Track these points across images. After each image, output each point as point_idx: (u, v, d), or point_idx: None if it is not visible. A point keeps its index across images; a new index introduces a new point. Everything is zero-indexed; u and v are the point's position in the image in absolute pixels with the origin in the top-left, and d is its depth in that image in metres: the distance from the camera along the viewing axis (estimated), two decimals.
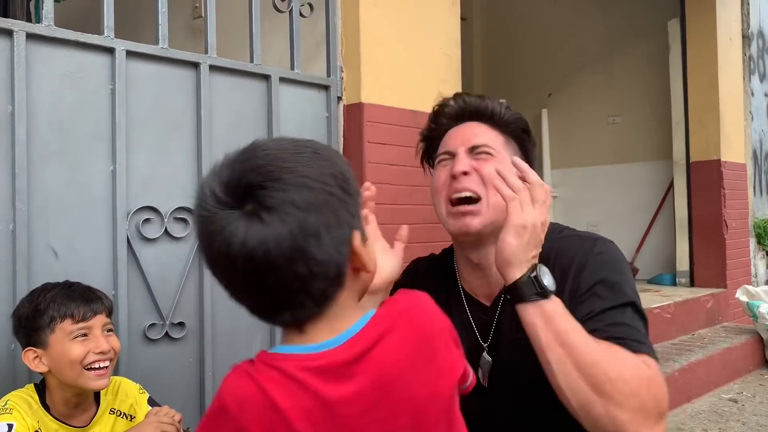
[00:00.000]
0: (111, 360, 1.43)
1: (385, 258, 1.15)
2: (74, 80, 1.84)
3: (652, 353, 1.12)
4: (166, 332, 1.98)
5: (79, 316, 1.39)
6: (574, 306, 1.13)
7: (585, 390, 1.00)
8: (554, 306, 1.06)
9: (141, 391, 1.60)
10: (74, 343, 1.38)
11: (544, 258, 1.16)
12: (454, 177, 1.21)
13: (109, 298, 1.50)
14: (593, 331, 1.07)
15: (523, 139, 1.32)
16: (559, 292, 1.12)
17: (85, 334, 1.40)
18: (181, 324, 2.02)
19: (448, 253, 1.41)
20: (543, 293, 1.06)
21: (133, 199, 1.93)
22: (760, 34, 5.73)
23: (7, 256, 1.70)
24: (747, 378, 3.99)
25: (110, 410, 1.52)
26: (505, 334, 1.22)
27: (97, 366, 1.39)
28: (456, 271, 1.34)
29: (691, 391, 3.53)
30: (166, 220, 1.99)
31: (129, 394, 1.57)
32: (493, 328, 1.24)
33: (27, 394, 1.44)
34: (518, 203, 1.08)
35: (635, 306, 1.16)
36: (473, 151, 1.23)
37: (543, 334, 1.03)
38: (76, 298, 1.42)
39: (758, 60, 5.72)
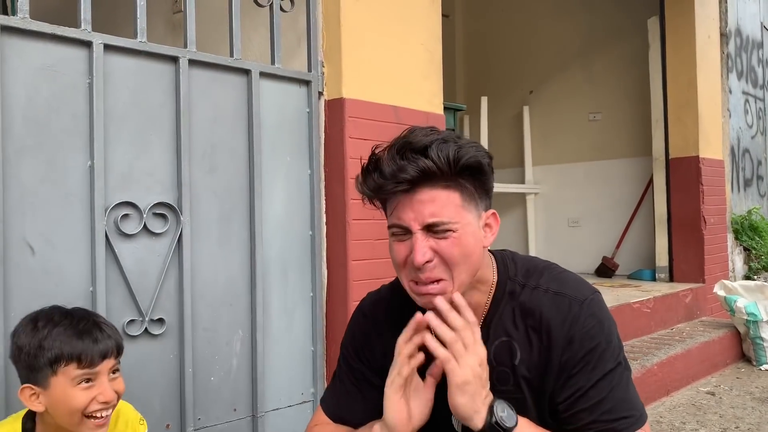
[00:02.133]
0: (114, 407, 1.31)
1: (415, 403, 1.13)
2: (50, 74, 1.81)
3: (641, 419, 1.15)
4: (146, 329, 1.97)
5: (87, 361, 1.25)
6: (564, 379, 1.14)
7: None
8: None
9: (141, 421, 1.48)
10: (77, 391, 1.25)
11: (527, 314, 1.16)
12: (414, 265, 1.09)
13: (119, 334, 1.36)
14: (582, 413, 1.12)
15: (478, 178, 1.13)
16: (545, 362, 1.14)
17: (89, 380, 1.26)
18: (160, 320, 2.00)
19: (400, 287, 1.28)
20: (507, 430, 1.07)
21: (111, 195, 1.91)
22: (738, 32, 5.81)
23: None
24: (724, 371, 4.05)
25: None
26: None
27: (98, 415, 1.27)
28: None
29: (670, 385, 3.57)
30: (145, 215, 1.97)
31: (129, 424, 1.44)
32: None
33: (13, 427, 1.31)
34: (453, 362, 1.05)
35: (622, 364, 1.17)
36: (431, 229, 1.07)
37: None
38: (86, 338, 1.27)
39: (736, 58, 5.79)
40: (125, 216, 1.94)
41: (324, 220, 2.48)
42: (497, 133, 5.86)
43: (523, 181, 6.05)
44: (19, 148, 1.75)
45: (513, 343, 1.17)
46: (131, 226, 1.95)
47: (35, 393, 1.27)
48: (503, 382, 1.17)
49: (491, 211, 1.17)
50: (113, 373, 1.32)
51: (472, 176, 1.10)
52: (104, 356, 1.28)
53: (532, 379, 1.16)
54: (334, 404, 1.30)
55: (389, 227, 1.12)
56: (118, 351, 1.33)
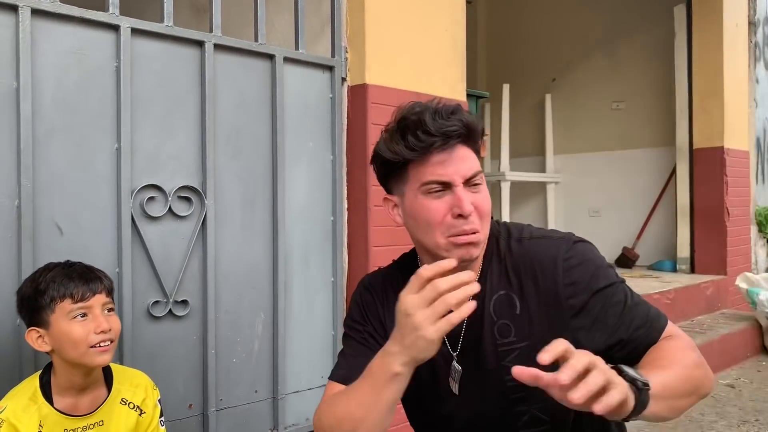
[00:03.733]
0: (112, 340, 1.42)
1: None
2: (79, 57, 1.83)
3: (660, 319, 1.20)
4: (170, 310, 2.00)
5: (78, 296, 1.38)
6: (587, 327, 1.16)
7: (692, 400, 1.13)
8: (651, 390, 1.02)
9: (154, 387, 1.57)
10: (74, 323, 1.37)
11: (518, 264, 1.18)
12: (459, 215, 1.11)
13: (109, 278, 1.48)
14: (628, 344, 1.16)
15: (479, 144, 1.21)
16: (548, 306, 1.16)
17: (84, 314, 1.38)
18: (184, 302, 2.03)
19: (403, 264, 1.31)
20: (645, 388, 0.99)
21: (137, 177, 1.94)
22: (767, 20, 5.69)
23: (12, 232, 1.71)
24: (745, 364, 4.02)
25: (122, 399, 1.49)
26: (472, 340, 1.22)
27: (98, 345, 1.38)
28: None
29: None
30: (170, 198, 1.99)
31: (142, 386, 1.54)
32: (462, 336, 1.23)
33: (30, 387, 1.42)
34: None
35: (622, 281, 1.21)
36: (467, 183, 1.13)
37: (659, 409, 1.05)
38: (75, 278, 1.40)
39: (764, 47, 5.68)
40: (151, 198, 1.96)
41: (345, 205, 2.49)
42: (519, 121, 5.82)
43: (544, 170, 6.01)
44: (49, 131, 1.78)
45: (511, 295, 1.18)
46: (157, 209, 1.97)
47: (40, 335, 1.40)
48: (505, 334, 1.18)
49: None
50: (107, 311, 1.43)
51: (478, 142, 1.19)
52: (95, 292, 1.40)
53: (538, 327, 1.17)
54: (345, 370, 1.23)
55: (422, 185, 1.14)
56: (109, 291, 1.45)
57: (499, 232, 1.25)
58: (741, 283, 4.27)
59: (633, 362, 1.16)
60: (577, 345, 1.14)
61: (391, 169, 1.18)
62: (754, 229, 5.33)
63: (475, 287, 0.99)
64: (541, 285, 1.17)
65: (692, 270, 4.91)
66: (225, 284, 2.13)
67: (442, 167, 1.13)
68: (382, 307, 1.27)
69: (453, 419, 1.25)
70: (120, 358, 1.86)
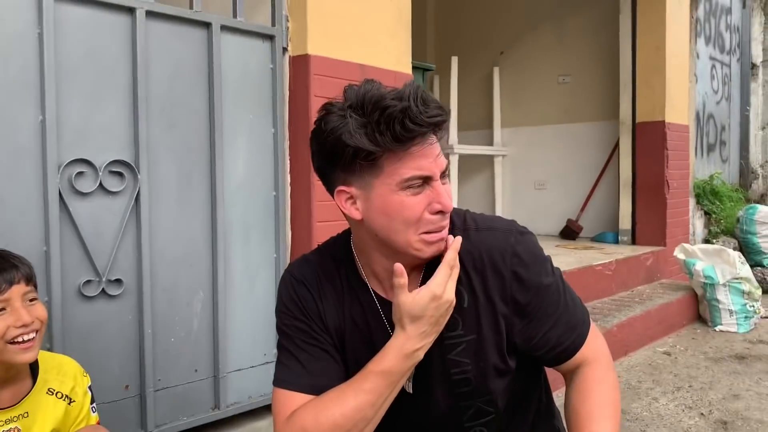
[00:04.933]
0: (37, 331, 1.32)
1: None
2: None
3: (585, 324, 1.22)
4: (103, 289, 1.92)
5: None
6: (525, 322, 1.17)
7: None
8: None
9: (84, 374, 1.49)
10: None
11: (464, 256, 1.14)
12: (439, 212, 1.07)
13: (27, 264, 1.37)
14: (555, 348, 1.19)
15: None
16: (493, 299, 1.15)
17: (3, 308, 1.29)
18: (118, 281, 1.96)
19: (334, 251, 1.25)
20: None
21: (64, 152, 1.84)
22: None
23: None
24: (681, 332, 4.17)
25: (48, 390, 1.41)
26: None
27: (20, 339, 1.29)
28: (360, 275, 1.20)
29: (629, 345, 3.66)
30: (100, 173, 1.91)
31: (71, 375, 1.46)
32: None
33: None
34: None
35: (559, 275, 1.22)
36: (442, 176, 1.09)
37: None
38: None
39: (704, 23, 5.81)
40: (80, 174, 1.87)
41: (288, 180, 2.44)
42: (467, 94, 5.82)
43: (491, 143, 6.05)
44: None
45: (459, 288, 1.14)
46: (86, 185, 1.89)
47: None
48: (452, 327, 1.15)
49: None
50: (29, 301, 1.34)
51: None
52: (11, 283, 1.30)
53: (485, 320, 1.16)
54: (304, 377, 1.14)
55: (403, 181, 1.05)
56: (28, 279, 1.34)
57: None
58: (679, 254, 4.41)
59: (558, 361, 1.21)
60: (511, 337, 1.16)
61: (353, 159, 1.05)
62: (692, 201, 5.51)
63: None
64: (489, 278, 1.15)
65: (633, 241, 5.05)
66: (161, 262, 2.06)
67: (424, 160, 1.04)
68: (320, 302, 1.20)
69: (405, 415, 1.21)
70: (50, 340, 1.79)
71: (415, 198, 1.06)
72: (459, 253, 1.12)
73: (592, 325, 1.24)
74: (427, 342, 1.09)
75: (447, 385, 1.18)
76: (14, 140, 1.76)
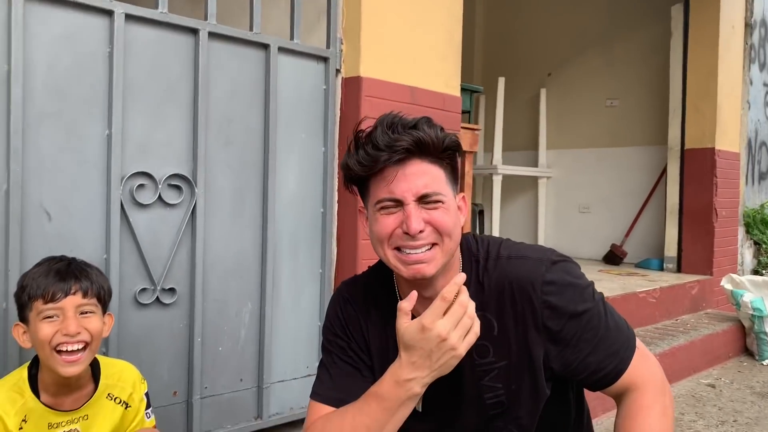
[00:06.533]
0: (87, 344, 1.36)
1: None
2: (71, 42, 1.82)
3: (629, 348, 1.21)
4: (157, 297, 2.00)
5: (48, 297, 1.34)
6: (560, 349, 1.17)
7: None
8: None
9: (142, 381, 1.56)
10: (43, 324, 1.34)
11: (495, 285, 1.17)
12: (408, 233, 1.11)
13: (95, 279, 1.41)
14: (597, 372, 1.19)
15: (455, 159, 1.18)
16: (526, 328, 1.16)
17: (56, 315, 1.34)
18: (172, 290, 2.04)
19: (381, 274, 1.29)
20: None
21: (127, 164, 1.93)
22: (763, 22, 5.70)
23: (0, 217, 1.71)
24: (726, 364, 4.07)
25: (108, 395, 1.48)
26: None
27: (65, 349, 1.34)
28: (398, 298, 1.24)
29: (671, 376, 3.59)
30: (160, 186, 1.99)
31: (130, 381, 1.53)
32: None
33: (18, 378, 1.41)
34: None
35: (599, 300, 1.21)
36: (422, 200, 1.11)
37: None
38: (52, 276, 1.36)
39: (759, 49, 5.70)
40: (141, 186, 1.96)
41: (336, 198, 2.49)
42: (513, 114, 5.83)
43: (536, 165, 6.03)
44: (39, 115, 1.77)
45: (488, 317, 1.18)
46: (146, 196, 1.97)
47: (25, 330, 1.39)
48: (483, 355, 1.18)
49: (462, 194, 1.22)
50: (83, 313, 1.38)
51: (451, 157, 1.16)
52: (67, 293, 1.35)
53: (515, 346, 1.18)
54: (331, 390, 1.21)
55: (376, 203, 1.13)
56: (86, 292, 1.38)
57: (478, 251, 1.23)
58: (726, 284, 4.31)
59: (601, 386, 1.21)
60: (548, 362, 1.17)
61: (356, 182, 1.18)
62: (741, 230, 5.38)
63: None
64: (519, 307, 1.17)
65: (679, 269, 4.95)
66: (213, 273, 2.14)
67: (395, 184, 1.11)
68: (364, 322, 1.26)
69: None
70: (105, 344, 1.87)
71: (388, 218, 1.12)
72: (489, 281, 1.17)
73: (641, 348, 1.22)
74: (420, 375, 1.07)
75: (480, 408, 1.21)
76: (83, 152, 1.86)
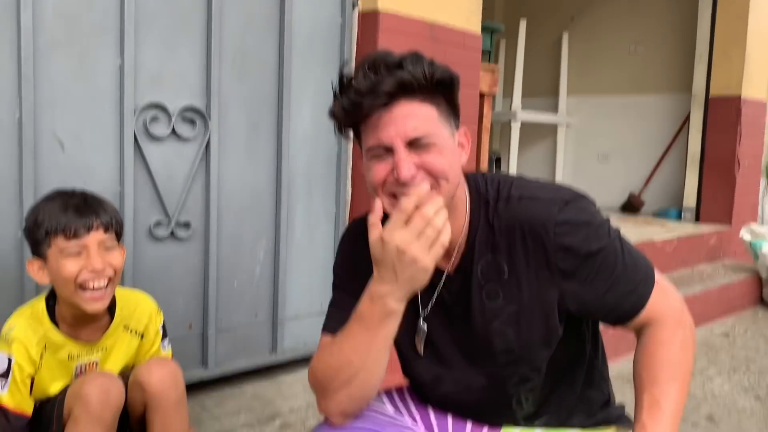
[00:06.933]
0: (110, 279, 1.36)
1: None
2: None
3: (648, 283, 1.18)
4: (172, 231, 2.00)
5: (71, 233, 1.32)
6: (575, 287, 1.14)
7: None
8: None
9: (158, 312, 1.56)
10: (67, 260, 1.32)
11: (506, 226, 1.13)
12: (399, 181, 1.06)
13: (110, 211, 1.40)
14: (615, 309, 1.17)
15: (451, 93, 1.10)
16: (537, 270, 1.13)
17: (79, 252, 1.33)
18: (186, 224, 2.03)
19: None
20: None
21: (140, 96, 1.90)
22: None
23: (13, 145, 1.70)
24: (741, 314, 4.05)
25: (124, 326, 1.49)
26: (459, 304, 1.20)
27: (91, 286, 1.34)
28: None
29: None
30: (173, 119, 1.97)
31: (146, 313, 1.53)
32: (434, 298, 1.21)
33: (37, 308, 1.40)
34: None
35: (616, 236, 1.18)
36: (413, 144, 1.05)
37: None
38: (70, 212, 1.33)
39: None
40: (154, 119, 1.94)
41: (351, 136, 2.45)
42: (533, 59, 5.68)
43: (555, 111, 5.91)
44: (50, 43, 1.74)
45: (498, 259, 1.14)
46: (160, 129, 1.95)
47: (41, 266, 1.36)
48: (492, 298, 1.16)
49: (463, 128, 1.15)
50: (107, 249, 1.36)
51: (445, 92, 1.08)
52: (89, 229, 1.33)
53: (527, 290, 1.15)
54: (339, 323, 1.17)
55: (368, 150, 1.08)
56: (107, 227, 1.37)
57: (488, 191, 1.18)
58: (745, 234, 4.26)
59: (620, 323, 1.18)
60: (563, 303, 1.15)
61: (349, 128, 1.11)
62: (764, 181, 5.29)
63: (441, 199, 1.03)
64: (531, 249, 1.13)
65: (697, 219, 4.89)
66: (228, 209, 2.13)
67: (382, 129, 1.05)
68: (363, 253, 1.19)
69: (448, 382, 1.23)
70: (122, 277, 1.88)
71: (379, 164, 1.07)
72: (499, 222, 1.13)
73: (660, 282, 1.19)
74: (389, 289, 1.03)
75: (490, 353, 1.19)
76: (94, 83, 1.83)
